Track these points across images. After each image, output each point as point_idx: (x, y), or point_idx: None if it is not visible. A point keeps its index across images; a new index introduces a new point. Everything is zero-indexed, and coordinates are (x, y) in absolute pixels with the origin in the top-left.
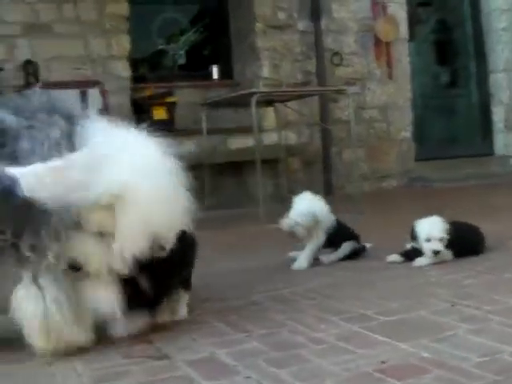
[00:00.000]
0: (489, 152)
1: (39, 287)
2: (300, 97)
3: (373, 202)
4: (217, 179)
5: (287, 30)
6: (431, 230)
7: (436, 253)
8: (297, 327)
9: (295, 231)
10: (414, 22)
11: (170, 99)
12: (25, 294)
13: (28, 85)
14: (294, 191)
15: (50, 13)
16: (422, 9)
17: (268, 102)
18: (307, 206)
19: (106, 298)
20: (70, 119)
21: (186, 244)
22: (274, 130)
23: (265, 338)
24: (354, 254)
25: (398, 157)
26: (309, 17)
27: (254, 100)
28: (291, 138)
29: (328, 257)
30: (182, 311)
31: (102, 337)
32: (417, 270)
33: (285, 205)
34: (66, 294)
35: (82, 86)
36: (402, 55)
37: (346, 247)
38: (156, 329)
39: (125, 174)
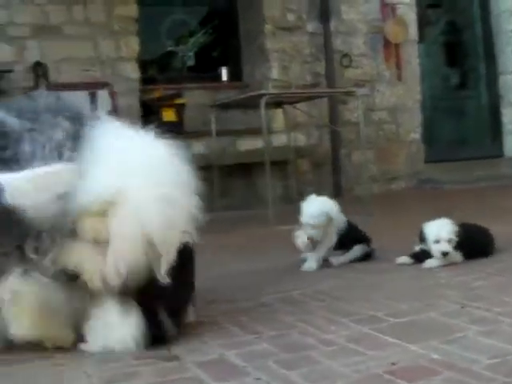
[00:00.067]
0: (498, 154)
1: (30, 280)
2: (309, 98)
3: (382, 204)
4: (226, 181)
5: (296, 31)
6: (440, 231)
7: (444, 254)
8: (307, 329)
9: (312, 236)
10: (423, 23)
11: (179, 101)
12: (15, 284)
13: (37, 86)
14: (303, 193)
15: (60, 14)
16: (432, 10)
17: (277, 103)
18: (318, 206)
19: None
20: (77, 120)
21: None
22: (283, 131)
23: (275, 339)
24: (365, 257)
25: (407, 158)
26: (318, 18)
27: (263, 102)
28: (300, 139)
29: (337, 259)
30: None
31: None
32: (426, 271)
33: (294, 206)
34: (55, 293)
35: (91, 87)
36: (412, 57)
37: (357, 250)
38: None
39: (120, 179)
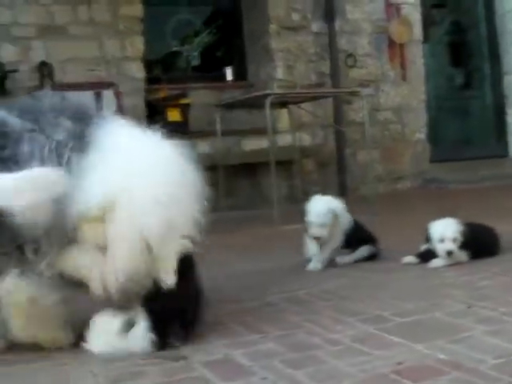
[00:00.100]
0: (503, 153)
1: (25, 280)
2: (314, 98)
3: (387, 204)
4: (231, 181)
5: (301, 31)
6: (445, 230)
7: (449, 253)
8: (313, 328)
9: (318, 234)
10: (428, 23)
11: (184, 101)
12: (10, 284)
13: (42, 86)
14: (308, 193)
15: (65, 15)
16: (436, 10)
17: (282, 103)
18: (324, 204)
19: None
20: (82, 120)
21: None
22: (288, 131)
23: (281, 339)
24: (371, 257)
25: (412, 158)
26: (323, 18)
27: (268, 101)
28: (305, 139)
29: (343, 258)
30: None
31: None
32: (432, 271)
33: (299, 206)
34: (51, 294)
35: (97, 87)
36: (416, 57)
37: (363, 251)
38: None
39: (120, 182)
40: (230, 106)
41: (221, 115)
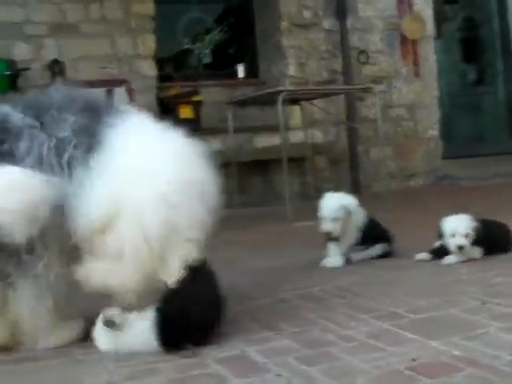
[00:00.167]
0: None
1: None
2: (326, 95)
3: (400, 201)
4: (243, 178)
5: (313, 28)
6: (457, 226)
7: (460, 248)
8: (327, 325)
9: (330, 229)
10: (440, 19)
11: (196, 98)
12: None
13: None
14: (321, 190)
15: (77, 13)
16: (449, 6)
17: (294, 100)
18: (337, 200)
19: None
20: (91, 115)
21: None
22: (300, 128)
23: (295, 335)
24: (385, 255)
25: (425, 155)
26: (334, 15)
27: (280, 98)
28: (317, 136)
29: (357, 255)
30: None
31: None
32: (446, 267)
33: (311, 203)
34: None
35: (109, 84)
36: (429, 53)
37: (378, 248)
38: None
39: (125, 185)
40: (241, 103)
41: (233, 112)
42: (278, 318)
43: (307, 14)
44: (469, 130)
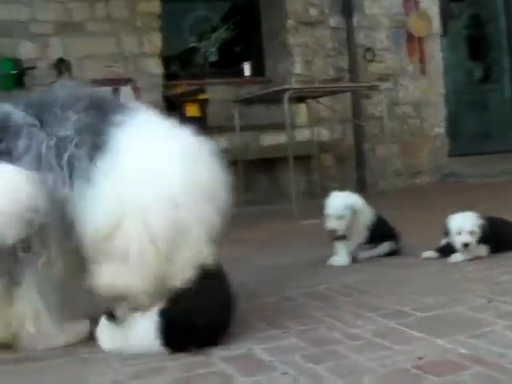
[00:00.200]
0: None
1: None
2: (332, 93)
3: (406, 198)
4: (249, 176)
5: (319, 26)
6: (462, 223)
7: (465, 245)
8: (333, 323)
9: (335, 227)
10: (446, 17)
11: (202, 96)
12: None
13: None
14: (327, 188)
15: (83, 11)
16: (455, 4)
17: (300, 98)
18: (342, 199)
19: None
20: (96, 113)
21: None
22: (306, 126)
23: (301, 334)
24: (391, 253)
25: (431, 153)
26: (341, 13)
27: (286, 96)
28: (324, 134)
29: (364, 253)
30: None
31: None
32: (452, 265)
33: (317, 201)
34: (49, 297)
35: (115, 83)
36: (435, 51)
37: (385, 247)
38: None
39: (131, 188)
40: (248, 102)
41: (239, 110)
42: (284, 317)
43: (313, 12)
44: (475, 128)
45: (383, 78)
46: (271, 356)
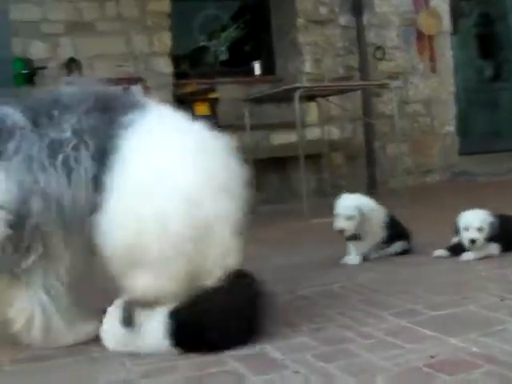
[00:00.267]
0: None
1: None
2: (343, 91)
3: (416, 197)
4: (260, 175)
5: (329, 24)
6: (470, 219)
7: (473, 241)
8: (345, 322)
9: (344, 227)
10: (456, 15)
11: (212, 95)
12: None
13: None
14: (337, 186)
15: (93, 11)
16: (465, 2)
17: (310, 96)
18: (352, 200)
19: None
20: (106, 116)
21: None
22: (316, 124)
23: (313, 332)
24: (403, 253)
25: (441, 151)
26: (350, 11)
27: (297, 95)
28: (334, 132)
29: (376, 253)
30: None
31: None
32: (464, 264)
33: (328, 200)
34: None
35: (125, 82)
36: (445, 49)
37: (397, 247)
38: None
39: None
40: (258, 100)
41: (249, 109)
42: (296, 315)
43: (323, 11)
44: (485, 126)
45: (393, 76)
46: (283, 355)
